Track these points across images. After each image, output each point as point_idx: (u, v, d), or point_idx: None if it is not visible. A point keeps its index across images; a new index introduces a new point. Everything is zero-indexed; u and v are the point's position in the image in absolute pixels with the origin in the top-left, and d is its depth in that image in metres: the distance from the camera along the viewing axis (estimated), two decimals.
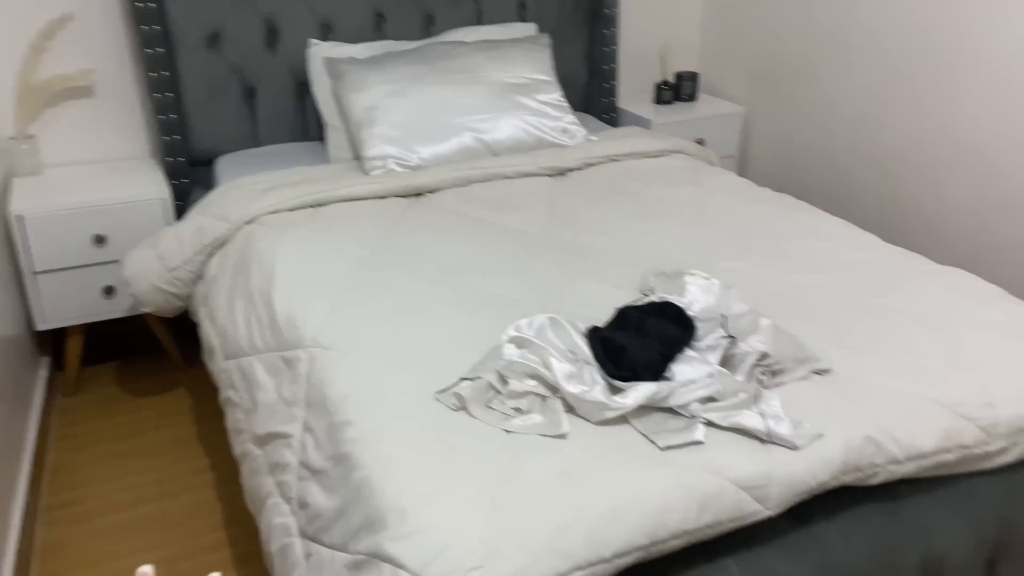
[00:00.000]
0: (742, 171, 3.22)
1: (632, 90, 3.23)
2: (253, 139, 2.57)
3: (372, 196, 2.13)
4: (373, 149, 2.26)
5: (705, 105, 3.15)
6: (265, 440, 1.50)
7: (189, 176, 2.49)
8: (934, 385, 1.35)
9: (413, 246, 1.86)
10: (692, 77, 3.15)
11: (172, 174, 2.46)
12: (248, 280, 1.82)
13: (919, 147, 2.50)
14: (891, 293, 1.64)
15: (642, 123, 2.96)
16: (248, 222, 2.02)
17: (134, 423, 2.33)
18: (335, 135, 2.43)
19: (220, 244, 2.02)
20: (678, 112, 3.06)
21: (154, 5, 2.30)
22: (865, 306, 1.60)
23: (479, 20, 2.74)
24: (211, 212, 2.08)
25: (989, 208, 2.32)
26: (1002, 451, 1.32)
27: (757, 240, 1.90)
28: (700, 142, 3.02)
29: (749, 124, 3.16)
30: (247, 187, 2.14)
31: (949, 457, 1.29)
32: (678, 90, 3.16)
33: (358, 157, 2.34)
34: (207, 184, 2.48)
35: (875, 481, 1.26)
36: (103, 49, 2.44)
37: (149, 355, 2.65)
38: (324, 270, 1.75)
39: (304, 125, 2.62)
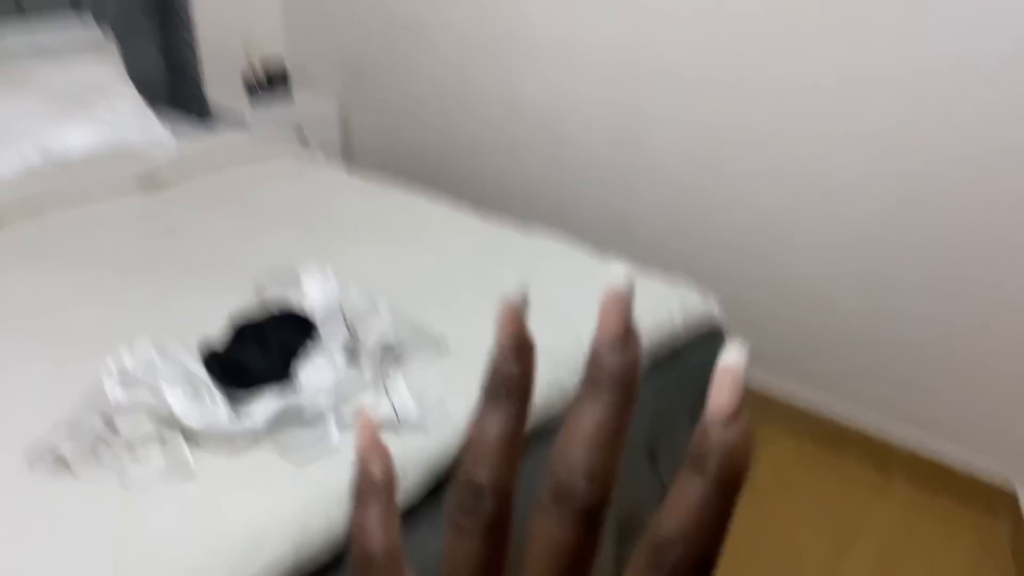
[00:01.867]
0: (347, 162, 3.24)
1: (217, 81, 2.98)
2: None
3: None
4: None
5: (300, 98, 3.11)
6: None
7: None
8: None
9: None
10: (283, 72, 3.09)
11: None
12: None
13: (496, 125, 2.74)
14: (492, 265, 1.78)
15: (237, 119, 2.82)
16: None
17: None
18: None
19: None
20: (273, 106, 2.97)
21: None
22: (471, 278, 1.71)
23: (19, 8, 2.37)
24: None
25: (561, 172, 2.63)
26: None
27: (370, 233, 1.93)
28: (300, 132, 2.98)
29: (347, 117, 3.19)
30: None
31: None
32: (269, 83, 3.07)
33: None
34: None
35: None
36: None
37: None
38: None
39: None
